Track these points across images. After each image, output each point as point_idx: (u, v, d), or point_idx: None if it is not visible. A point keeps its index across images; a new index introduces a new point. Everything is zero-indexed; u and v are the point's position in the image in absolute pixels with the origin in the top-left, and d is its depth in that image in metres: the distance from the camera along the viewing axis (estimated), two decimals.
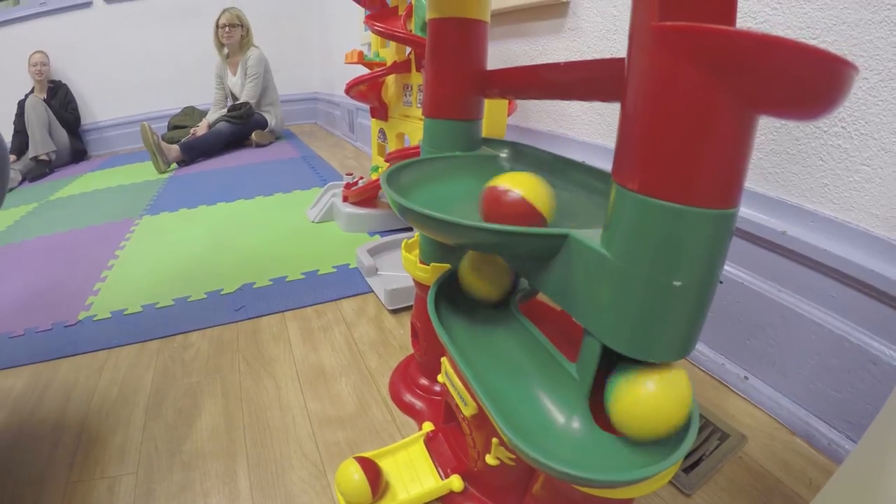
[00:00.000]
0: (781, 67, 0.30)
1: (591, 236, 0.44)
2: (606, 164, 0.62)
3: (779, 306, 0.84)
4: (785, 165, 0.84)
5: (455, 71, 0.70)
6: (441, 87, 0.71)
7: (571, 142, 1.33)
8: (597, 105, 1.24)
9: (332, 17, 3.95)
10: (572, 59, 0.56)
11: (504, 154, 0.77)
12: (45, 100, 3.49)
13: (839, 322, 0.77)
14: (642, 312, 0.40)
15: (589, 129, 1.28)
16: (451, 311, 0.65)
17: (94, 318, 1.28)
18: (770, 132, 0.85)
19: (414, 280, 0.84)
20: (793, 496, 0.72)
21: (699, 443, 0.81)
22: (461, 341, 0.60)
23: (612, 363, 0.45)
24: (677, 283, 0.38)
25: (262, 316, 1.24)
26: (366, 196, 1.79)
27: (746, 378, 0.91)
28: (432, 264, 0.78)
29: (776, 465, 0.78)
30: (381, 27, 1.42)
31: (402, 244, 0.87)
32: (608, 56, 1.12)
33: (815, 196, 0.81)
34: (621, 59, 0.41)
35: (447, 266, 0.77)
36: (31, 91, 3.56)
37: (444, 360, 0.69)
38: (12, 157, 2.29)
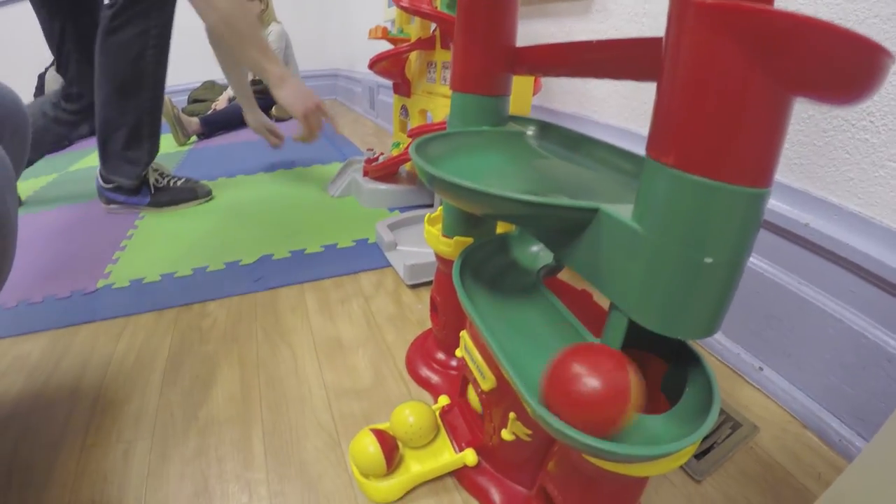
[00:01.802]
0: (820, 49, 0.30)
1: (621, 211, 0.43)
2: (631, 148, 0.61)
3: (798, 298, 0.83)
4: (811, 157, 0.83)
5: (485, 46, 0.69)
6: (470, 62, 0.71)
7: (595, 124, 1.32)
8: (622, 88, 1.22)
9: None
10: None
11: (531, 131, 0.77)
12: None
13: (857, 318, 0.76)
14: (672, 288, 0.39)
15: (614, 112, 1.27)
16: (475, 283, 0.64)
17: (113, 286, 1.29)
18: (798, 122, 0.84)
19: (436, 254, 0.84)
20: (801, 489, 0.72)
21: (712, 430, 0.81)
22: (485, 313, 0.60)
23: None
24: (708, 261, 0.37)
25: (280, 287, 1.24)
26: (386, 172, 1.79)
27: (761, 369, 0.90)
28: (455, 238, 0.78)
29: (786, 457, 0.77)
30: (407, 3, 1.41)
31: (426, 218, 0.87)
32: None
33: (839, 189, 0.80)
34: (657, 39, 0.40)
35: (470, 240, 0.77)
36: (52, 64, 3.56)
37: (463, 333, 0.69)
38: None
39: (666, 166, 0.37)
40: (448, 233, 0.80)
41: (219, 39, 1.68)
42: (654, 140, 0.39)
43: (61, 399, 0.91)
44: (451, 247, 0.79)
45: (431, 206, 1.71)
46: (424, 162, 0.53)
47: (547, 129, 0.76)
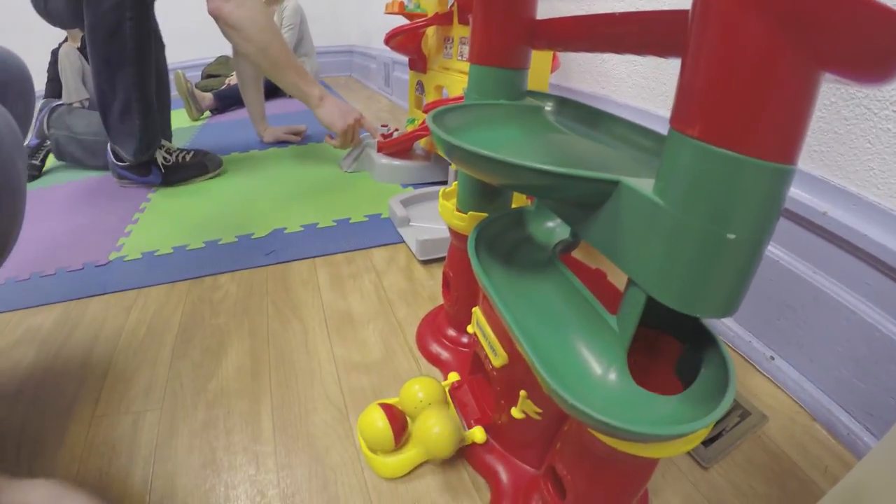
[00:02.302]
0: (852, 24, 0.29)
1: (643, 184, 0.42)
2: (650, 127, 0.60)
3: (812, 288, 0.82)
4: (831, 145, 0.81)
5: (504, 18, 0.68)
6: (489, 35, 0.70)
7: (614, 104, 1.30)
8: (641, 68, 1.21)
9: None
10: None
11: (548, 106, 0.76)
12: (78, 48, 3.48)
13: (872, 311, 0.75)
14: (693, 265, 0.39)
15: (632, 92, 1.25)
16: (490, 257, 0.64)
17: (125, 259, 1.29)
18: (819, 110, 0.82)
19: (449, 229, 0.83)
20: (807, 481, 0.72)
21: (721, 417, 0.81)
22: (500, 287, 0.59)
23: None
24: (731, 236, 0.37)
25: (292, 261, 1.24)
26: (400, 148, 1.78)
27: (772, 358, 0.89)
28: (470, 213, 0.77)
29: (794, 448, 0.77)
30: None
31: (440, 192, 0.86)
32: (656, 3, 1.09)
33: (859, 179, 0.79)
34: (682, 12, 0.39)
35: (485, 215, 0.76)
36: (65, 40, 3.55)
37: (475, 310, 0.69)
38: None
39: (690, 138, 0.36)
40: (463, 207, 0.79)
41: (256, 67, 1.69)
42: (678, 112, 0.38)
43: (72, 370, 0.92)
44: (466, 221, 0.78)
45: (446, 182, 1.70)
46: (442, 132, 0.52)
47: (565, 105, 0.75)
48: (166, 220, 1.54)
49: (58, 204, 1.74)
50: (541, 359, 0.46)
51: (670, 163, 0.39)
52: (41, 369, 0.93)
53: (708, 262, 0.38)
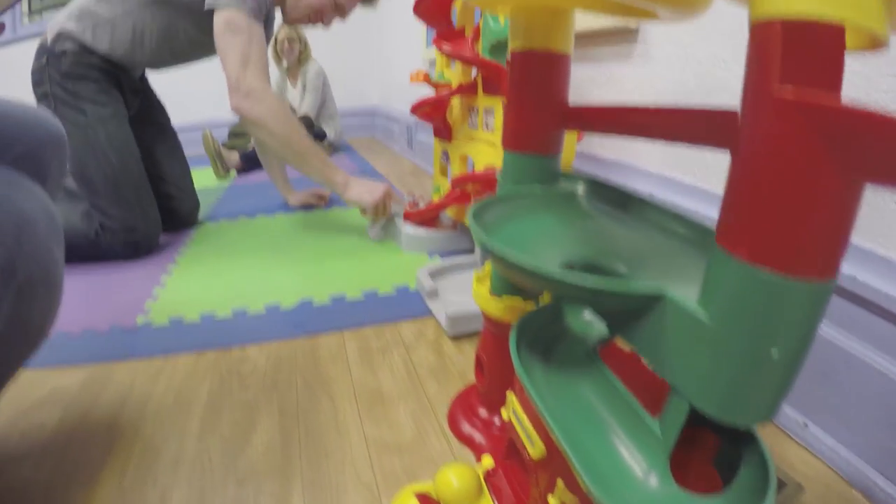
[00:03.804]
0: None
1: (687, 297, 0.43)
2: (673, 196, 0.61)
3: (844, 353, 0.81)
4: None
5: (537, 105, 0.69)
6: (523, 121, 0.71)
7: (637, 172, 1.30)
8: None
9: (392, 31, 4.00)
10: (655, 100, 0.55)
11: (581, 188, 0.76)
12: None
13: None
14: (736, 378, 0.39)
15: (655, 160, 1.26)
16: (530, 356, 0.63)
17: (153, 324, 1.29)
18: None
19: (483, 313, 0.83)
20: None
21: None
22: (540, 387, 0.59)
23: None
24: (775, 352, 0.37)
25: (320, 333, 1.24)
26: (427, 217, 1.79)
27: (806, 425, 0.88)
28: (504, 297, 0.77)
29: None
30: (450, 49, 1.42)
31: (473, 275, 0.86)
32: (679, 84, 1.11)
33: (887, 242, 0.79)
34: (729, 114, 0.40)
35: (518, 299, 0.76)
36: None
37: (510, 396, 0.68)
38: None
39: (737, 259, 0.37)
40: (497, 292, 0.79)
41: (279, 158, 1.79)
42: (725, 229, 0.39)
43: (98, 436, 0.91)
44: (501, 308, 0.78)
45: (472, 251, 1.71)
46: (483, 233, 0.54)
47: (597, 187, 0.76)
48: (194, 284, 1.55)
49: (84, 261, 1.75)
50: (582, 462, 0.46)
51: (715, 279, 0.40)
52: (67, 431, 0.92)
53: (752, 376, 0.39)
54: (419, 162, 3.37)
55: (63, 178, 0.94)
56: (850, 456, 0.81)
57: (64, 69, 1.72)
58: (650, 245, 0.61)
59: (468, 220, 0.58)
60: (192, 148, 3.92)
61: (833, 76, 0.32)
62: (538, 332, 0.67)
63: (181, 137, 2.20)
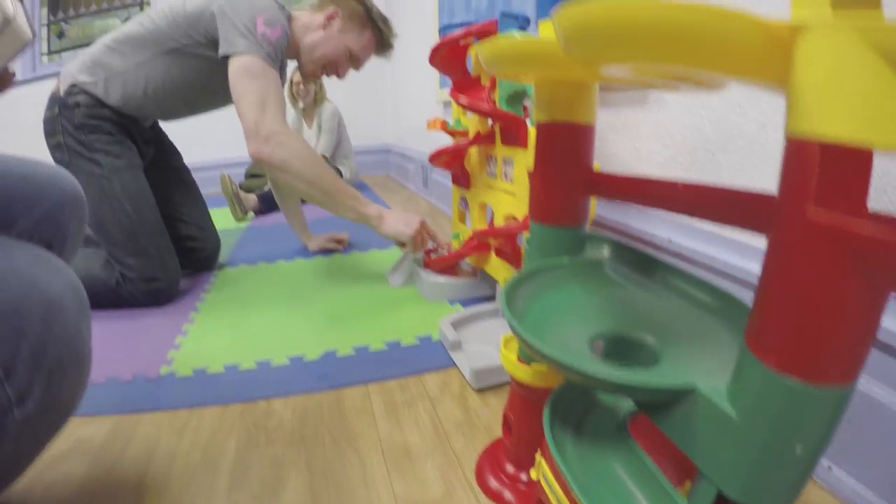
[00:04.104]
0: None
1: (717, 390, 0.45)
2: (690, 241, 0.61)
3: (866, 397, 0.81)
4: None
5: (563, 176, 0.71)
6: (549, 193, 0.73)
7: (654, 217, 1.31)
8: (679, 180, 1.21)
9: (405, 71, 4.04)
10: (680, 176, 0.56)
11: (606, 252, 0.78)
12: None
13: None
14: (761, 469, 0.41)
15: None
16: (563, 431, 0.65)
17: (176, 375, 1.30)
18: None
19: (511, 376, 0.83)
20: None
21: None
22: (570, 458, 0.61)
23: None
24: (798, 449, 0.39)
25: (345, 387, 1.24)
26: (447, 265, 1.80)
27: (830, 468, 0.87)
28: (533, 364, 0.78)
29: None
30: (467, 101, 1.43)
31: (501, 339, 0.87)
32: (694, 130, 1.11)
33: None
34: (767, 198, 0.43)
35: (545, 368, 0.77)
36: None
37: (540, 459, 0.68)
38: None
39: (765, 365, 0.39)
40: (525, 358, 0.80)
41: (309, 200, 1.78)
42: (754, 335, 0.41)
43: (125, 492, 0.91)
44: (529, 373, 0.79)
45: (492, 297, 1.71)
46: (518, 324, 0.56)
47: (621, 250, 0.78)
48: (216, 333, 1.56)
49: (105, 308, 1.76)
50: None
51: (744, 379, 0.42)
52: (93, 486, 0.93)
53: (776, 467, 0.41)
54: (435, 202, 3.39)
55: (81, 237, 0.96)
56: (873, 497, 0.81)
57: (77, 121, 1.75)
58: (676, 315, 0.63)
59: (501, 303, 0.59)
60: (207, 187, 3.98)
61: (862, 197, 0.34)
62: (570, 405, 0.68)
63: (196, 176, 2.23)
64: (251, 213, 3.32)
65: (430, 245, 1.87)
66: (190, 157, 2.26)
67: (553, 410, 0.65)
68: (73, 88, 1.76)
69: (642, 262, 0.74)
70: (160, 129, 2.16)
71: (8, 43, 0.72)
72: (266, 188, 3.48)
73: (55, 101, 1.78)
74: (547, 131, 0.70)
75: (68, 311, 0.68)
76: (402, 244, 1.82)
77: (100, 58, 1.77)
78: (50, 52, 4.48)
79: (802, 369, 0.37)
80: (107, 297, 1.75)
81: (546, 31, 0.68)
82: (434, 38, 3.08)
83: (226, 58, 1.64)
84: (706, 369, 0.51)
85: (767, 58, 0.34)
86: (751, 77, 0.37)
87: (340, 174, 3.90)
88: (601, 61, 0.42)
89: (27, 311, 0.62)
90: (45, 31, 4.44)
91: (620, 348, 0.63)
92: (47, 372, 0.64)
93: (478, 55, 0.97)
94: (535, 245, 0.76)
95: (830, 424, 0.39)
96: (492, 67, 0.63)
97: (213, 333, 1.56)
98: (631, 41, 0.35)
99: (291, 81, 3.82)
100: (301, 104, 3.96)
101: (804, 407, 0.38)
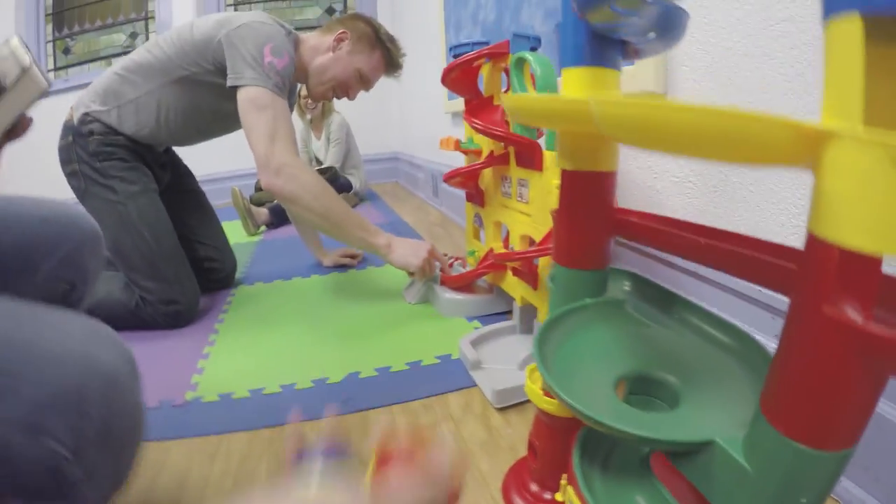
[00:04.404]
0: None
1: (734, 442, 0.50)
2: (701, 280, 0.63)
3: (876, 415, 0.83)
4: None
5: (587, 223, 0.74)
6: (573, 238, 0.76)
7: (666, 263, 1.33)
8: (696, 200, 1.22)
9: (414, 82, 4.04)
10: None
11: (627, 286, 0.81)
12: None
13: None
14: None
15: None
16: (590, 466, 0.68)
17: (202, 400, 1.33)
18: None
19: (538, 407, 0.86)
20: None
21: None
22: (597, 493, 0.64)
23: None
24: (803, 500, 0.45)
25: (369, 409, 1.26)
26: (464, 282, 1.82)
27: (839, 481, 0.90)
28: None
29: None
30: (481, 125, 1.45)
31: (526, 371, 0.89)
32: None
33: None
34: (790, 251, 0.49)
35: None
36: None
37: (567, 487, 0.70)
38: None
39: (777, 431, 0.44)
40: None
41: (318, 230, 1.88)
42: (768, 402, 0.46)
43: None
44: (554, 404, 0.81)
45: (509, 313, 1.72)
46: (550, 377, 0.62)
47: (641, 285, 0.81)
48: (238, 355, 1.58)
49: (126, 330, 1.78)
50: None
51: (757, 440, 0.47)
52: None
53: None
54: (446, 211, 3.38)
55: (101, 272, 0.98)
56: None
57: (91, 149, 1.78)
58: (696, 355, 0.67)
59: (533, 352, 0.62)
60: (218, 199, 3.99)
61: (871, 296, 0.38)
62: (598, 441, 0.71)
63: (205, 188, 2.25)
64: (263, 227, 3.35)
65: (437, 272, 1.89)
66: (200, 170, 2.29)
67: (582, 447, 0.68)
68: (87, 117, 1.79)
69: (662, 297, 0.77)
70: (174, 154, 2.19)
71: (24, 91, 0.74)
72: (276, 201, 3.49)
73: (69, 129, 1.81)
74: (571, 179, 0.73)
75: (125, 383, 0.71)
76: (410, 273, 1.85)
77: (111, 86, 1.80)
78: (56, 69, 4.51)
79: (808, 437, 0.42)
80: (127, 320, 1.78)
81: (570, 82, 0.69)
82: (441, 49, 3.09)
83: (234, 88, 1.67)
84: (725, 415, 0.56)
85: (797, 156, 0.37)
86: (778, 166, 0.39)
87: (350, 186, 3.93)
88: (636, 147, 0.45)
89: (89, 393, 0.64)
90: (50, 47, 4.47)
91: (644, 386, 0.66)
92: (112, 448, 0.67)
93: (503, 105, 0.99)
94: (561, 288, 0.78)
95: (832, 480, 0.44)
96: (516, 118, 0.66)
97: (234, 356, 1.58)
98: (668, 140, 0.38)
99: (299, 94, 3.83)
100: (309, 116, 3.99)
101: (809, 466, 0.43)
